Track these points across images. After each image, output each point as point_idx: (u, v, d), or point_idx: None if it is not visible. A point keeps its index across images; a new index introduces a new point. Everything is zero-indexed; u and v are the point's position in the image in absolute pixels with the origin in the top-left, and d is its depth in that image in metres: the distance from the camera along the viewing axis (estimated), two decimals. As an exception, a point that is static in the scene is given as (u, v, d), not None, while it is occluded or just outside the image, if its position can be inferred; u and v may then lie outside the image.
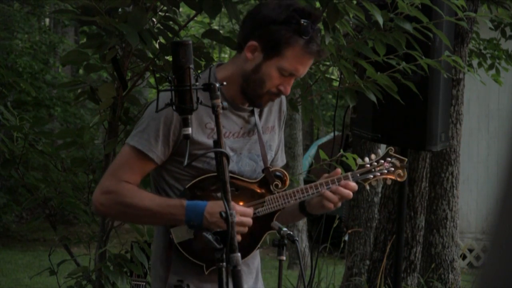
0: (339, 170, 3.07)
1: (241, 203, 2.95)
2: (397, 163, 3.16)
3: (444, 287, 7.05)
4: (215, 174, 2.83)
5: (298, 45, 2.84)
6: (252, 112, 3.01)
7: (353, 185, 2.99)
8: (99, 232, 4.06)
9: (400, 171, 3.16)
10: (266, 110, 3.07)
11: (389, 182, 3.17)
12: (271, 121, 3.10)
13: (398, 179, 3.17)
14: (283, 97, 3.12)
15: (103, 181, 2.94)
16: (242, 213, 2.86)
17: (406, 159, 3.20)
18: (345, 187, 2.98)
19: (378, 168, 3.13)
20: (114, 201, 2.89)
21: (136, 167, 2.91)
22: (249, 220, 2.87)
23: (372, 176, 3.11)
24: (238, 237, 2.83)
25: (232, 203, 2.83)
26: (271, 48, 2.86)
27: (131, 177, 2.90)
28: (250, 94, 2.93)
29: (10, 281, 10.36)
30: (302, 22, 2.83)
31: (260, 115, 3.05)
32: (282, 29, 2.84)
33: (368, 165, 3.12)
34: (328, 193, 2.96)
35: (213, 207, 2.80)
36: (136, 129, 2.95)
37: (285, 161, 3.21)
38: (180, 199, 2.87)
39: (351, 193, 2.98)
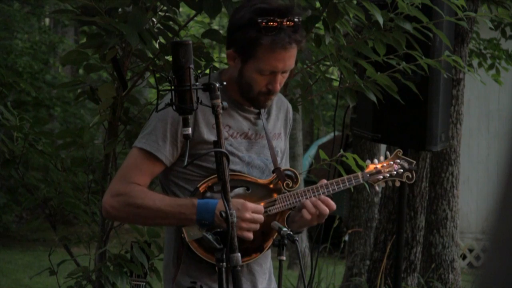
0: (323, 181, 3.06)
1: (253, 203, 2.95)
2: (406, 165, 3.16)
3: (444, 287, 7.05)
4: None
5: (265, 43, 2.85)
6: (258, 115, 3.04)
7: (333, 204, 2.98)
8: (99, 232, 4.06)
9: (409, 173, 3.15)
10: (273, 117, 3.11)
11: (397, 184, 3.16)
12: (278, 128, 3.13)
13: (407, 181, 3.17)
14: (289, 106, 3.18)
15: (112, 184, 2.96)
16: (254, 209, 2.87)
17: (415, 162, 3.19)
18: (324, 201, 2.97)
19: (387, 170, 3.13)
20: (124, 203, 2.89)
21: (145, 168, 2.92)
22: (260, 217, 2.88)
23: (381, 177, 3.12)
24: (250, 235, 2.85)
25: (243, 201, 2.85)
26: (244, 53, 2.90)
27: (140, 179, 2.91)
28: (246, 98, 2.98)
29: (10, 281, 10.35)
30: (260, 20, 2.84)
31: (267, 121, 3.08)
32: (247, 31, 2.87)
33: (378, 166, 3.12)
34: (308, 202, 2.97)
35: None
36: (143, 131, 2.96)
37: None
38: (191, 198, 2.87)
39: (327, 209, 2.96)
